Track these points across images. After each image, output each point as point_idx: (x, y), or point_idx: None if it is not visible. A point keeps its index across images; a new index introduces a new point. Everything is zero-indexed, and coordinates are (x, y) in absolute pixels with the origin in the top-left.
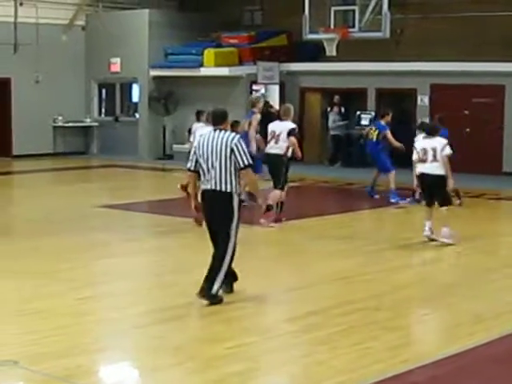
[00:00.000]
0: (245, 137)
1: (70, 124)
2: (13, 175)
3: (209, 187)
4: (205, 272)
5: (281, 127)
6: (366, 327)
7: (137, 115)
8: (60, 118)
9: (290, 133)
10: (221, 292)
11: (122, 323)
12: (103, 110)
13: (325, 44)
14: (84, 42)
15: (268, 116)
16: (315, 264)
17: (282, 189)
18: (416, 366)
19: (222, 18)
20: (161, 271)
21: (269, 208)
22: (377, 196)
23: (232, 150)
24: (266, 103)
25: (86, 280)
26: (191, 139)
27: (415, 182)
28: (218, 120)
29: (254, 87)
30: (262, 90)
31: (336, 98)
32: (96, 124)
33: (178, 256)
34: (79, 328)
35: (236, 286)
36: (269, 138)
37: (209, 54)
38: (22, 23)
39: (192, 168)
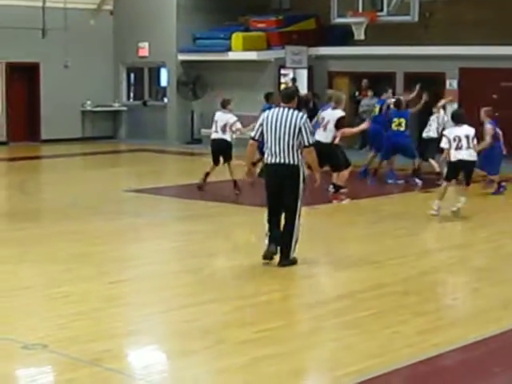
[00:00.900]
0: None
1: (99, 108)
2: (41, 160)
3: (276, 161)
4: (233, 256)
5: (330, 115)
6: (395, 311)
7: (165, 100)
8: (88, 102)
9: (339, 122)
10: (296, 254)
11: (151, 307)
12: (131, 95)
13: (353, 28)
14: (112, 27)
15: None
16: (345, 248)
17: (346, 167)
18: (445, 350)
19: (250, 2)
20: (189, 255)
21: (338, 188)
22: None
23: (300, 129)
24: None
25: (115, 264)
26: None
27: (442, 167)
28: (287, 98)
29: (283, 71)
30: (291, 75)
31: (364, 82)
32: (124, 108)
33: (207, 240)
34: (108, 312)
35: (263, 270)
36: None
37: (237, 38)
38: (50, 8)
39: (256, 137)
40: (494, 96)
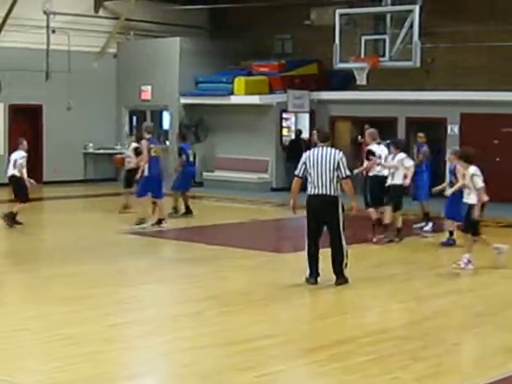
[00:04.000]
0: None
1: (101, 151)
2: (43, 201)
3: (318, 192)
4: (233, 299)
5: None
6: (395, 357)
7: (167, 142)
8: (91, 144)
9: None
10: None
11: (150, 351)
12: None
13: (355, 73)
14: (115, 70)
15: (298, 143)
16: (344, 293)
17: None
18: None
19: (253, 47)
20: (189, 298)
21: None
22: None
23: (338, 164)
24: (298, 131)
25: (115, 307)
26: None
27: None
28: (324, 138)
29: (284, 115)
30: (292, 119)
31: (366, 127)
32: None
33: (207, 284)
34: (107, 355)
35: (260, 316)
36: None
37: (239, 82)
38: (54, 50)
39: (300, 175)
40: (495, 141)
